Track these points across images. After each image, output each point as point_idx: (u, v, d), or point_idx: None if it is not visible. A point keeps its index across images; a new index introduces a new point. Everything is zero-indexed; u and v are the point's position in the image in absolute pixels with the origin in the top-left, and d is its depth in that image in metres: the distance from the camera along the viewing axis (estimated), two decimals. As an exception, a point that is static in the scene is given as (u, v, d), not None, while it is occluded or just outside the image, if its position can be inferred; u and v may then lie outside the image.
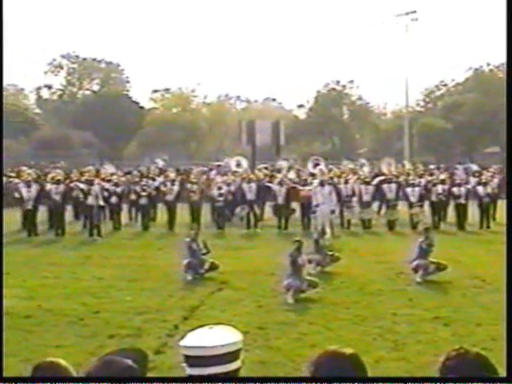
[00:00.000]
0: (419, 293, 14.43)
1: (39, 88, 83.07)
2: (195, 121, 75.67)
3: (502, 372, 3.29)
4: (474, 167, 39.65)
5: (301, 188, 27.93)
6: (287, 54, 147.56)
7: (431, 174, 32.13)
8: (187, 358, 3.19)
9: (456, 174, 33.70)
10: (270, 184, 28.72)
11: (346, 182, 28.19)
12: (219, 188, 28.02)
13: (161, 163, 40.63)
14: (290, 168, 34.41)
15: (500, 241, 23.01)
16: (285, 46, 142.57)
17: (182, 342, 3.23)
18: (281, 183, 28.14)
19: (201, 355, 3.13)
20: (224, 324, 3.54)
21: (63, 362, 3.52)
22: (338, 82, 75.95)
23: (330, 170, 33.94)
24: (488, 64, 72.83)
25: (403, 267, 16.28)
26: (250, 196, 27.65)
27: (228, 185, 28.93)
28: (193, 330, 3.39)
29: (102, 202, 25.65)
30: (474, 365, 3.12)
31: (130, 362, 3.17)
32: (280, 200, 27.51)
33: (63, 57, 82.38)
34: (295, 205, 28.14)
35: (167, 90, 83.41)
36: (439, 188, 27.49)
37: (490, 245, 22.29)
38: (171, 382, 3.26)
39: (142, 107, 75.40)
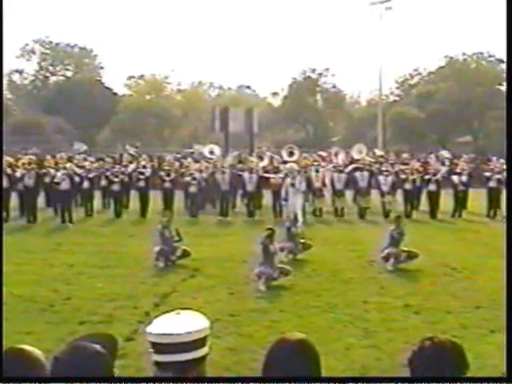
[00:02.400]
0: (390, 281, 14.52)
1: (11, 73, 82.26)
2: (169, 108, 75.36)
3: (472, 361, 3.31)
4: (446, 154, 39.84)
5: (272, 176, 27.99)
6: (261, 42, 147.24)
7: (403, 163, 32.27)
8: (154, 344, 3.18)
9: (429, 163, 33.87)
10: (241, 172, 28.70)
11: (317, 171, 28.23)
12: (192, 175, 27.95)
13: (132, 150, 40.43)
14: (260, 156, 34.32)
15: (471, 229, 23.31)
16: (259, 34, 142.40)
17: (149, 329, 3.22)
18: (251, 171, 28.14)
19: (167, 342, 3.12)
20: (192, 309, 3.52)
21: (28, 348, 3.50)
22: (313, 71, 75.94)
23: (304, 158, 34.01)
24: (463, 53, 73.17)
25: (375, 255, 16.36)
26: (224, 186, 27.61)
27: (201, 172, 28.86)
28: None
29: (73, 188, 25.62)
30: (449, 354, 3.16)
31: (98, 347, 3.16)
32: (250, 187, 27.53)
33: (36, 42, 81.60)
34: (266, 192, 28.28)
35: (142, 76, 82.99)
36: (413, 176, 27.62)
37: (462, 233, 22.48)
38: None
39: (115, 93, 74.96)
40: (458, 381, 3.09)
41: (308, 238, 18.10)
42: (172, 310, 3.40)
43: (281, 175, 27.19)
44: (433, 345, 3.20)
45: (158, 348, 3.15)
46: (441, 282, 14.37)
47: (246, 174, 27.89)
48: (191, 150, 43.64)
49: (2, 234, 19.69)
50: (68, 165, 27.30)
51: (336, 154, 34.11)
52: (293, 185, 23.21)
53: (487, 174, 28.41)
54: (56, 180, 25.48)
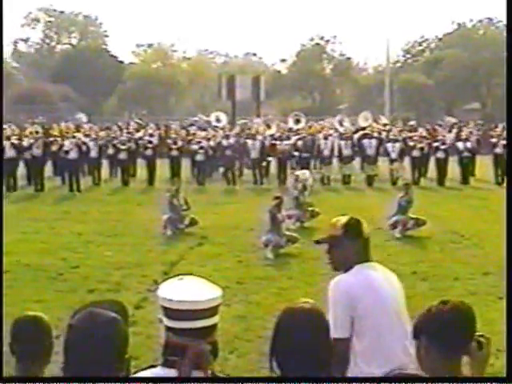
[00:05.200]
0: (398, 248, 14.54)
1: (16, 41, 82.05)
2: (175, 76, 75.08)
3: (481, 328, 3.31)
4: (452, 120, 39.69)
5: (277, 142, 27.99)
6: (267, 9, 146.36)
7: (411, 130, 32.20)
8: (167, 309, 3.14)
9: (437, 130, 33.75)
10: (246, 140, 28.72)
11: (326, 138, 28.25)
12: (199, 143, 27.96)
13: (137, 119, 40.59)
14: (268, 124, 34.23)
15: (479, 196, 23.26)
16: (265, 0, 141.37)
17: (165, 294, 3.17)
18: (255, 138, 28.22)
19: (186, 309, 3.09)
20: (201, 276, 3.50)
21: (40, 315, 3.52)
22: (321, 38, 75.55)
23: (310, 127, 33.93)
24: (471, 19, 72.65)
25: (382, 223, 16.33)
26: (229, 152, 27.66)
27: (208, 140, 28.87)
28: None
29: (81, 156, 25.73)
30: (462, 316, 3.16)
31: (113, 314, 3.15)
32: (253, 154, 27.58)
33: (40, 10, 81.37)
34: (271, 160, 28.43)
35: (150, 45, 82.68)
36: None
37: (469, 200, 22.44)
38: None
39: (121, 62, 74.73)
40: (459, 381, 3.10)
41: (315, 205, 18.08)
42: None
43: (286, 142, 27.46)
44: (442, 308, 3.20)
45: (172, 314, 3.11)
46: (449, 249, 14.38)
47: (249, 142, 27.95)
48: (196, 118, 43.73)
49: (2, 202, 19.72)
50: (77, 134, 27.44)
51: (340, 122, 33.91)
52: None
53: (493, 140, 28.37)
54: (65, 149, 25.56)
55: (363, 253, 4.53)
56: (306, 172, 22.27)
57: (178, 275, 3.36)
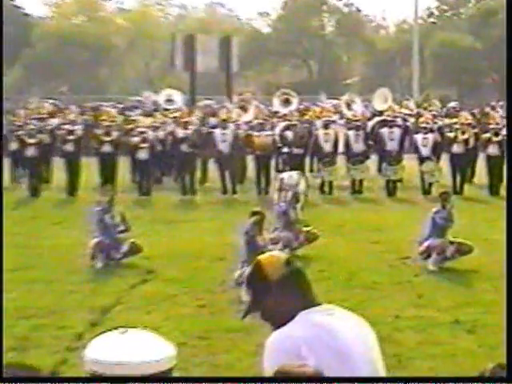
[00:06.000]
0: (432, 286, 14.59)
1: None
2: (106, 36, 75.03)
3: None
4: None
5: (256, 134, 27.82)
6: None
7: (450, 115, 32.31)
8: (95, 376, 3.15)
9: (488, 115, 33.92)
10: (212, 129, 28.66)
11: (327, 127, 28.14)
12: (142, 134, 27.87)
13: (49, 103, 40.36)
14: (243, 107, 34.26)
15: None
16: None
17: (91, 354, 3.19)
18: (224, 126, 28.07)
19: (121, 375, 3.10)
20: (146, 329, 3.52)
21: None
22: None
23: (305, 110, 34.00)
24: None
25: (410, 250, 16.42)
26: (186, 147, 27.58)
27: (155, 130, 28.81)
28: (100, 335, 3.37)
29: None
30: None
31: None
32: (222, 148, 27.59)
33: None
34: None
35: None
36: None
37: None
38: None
39: (27, 14, 74.48)
40: (459, 381, 3.17)
41: (313, 224, 18.13)
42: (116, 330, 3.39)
43: (269, 132, 27.44)
44: (499, 373, 3.23)
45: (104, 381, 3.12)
46: (505, 288, 14.42)
47: (216, 132, 27.83)
48: (138, 98, 43.72)
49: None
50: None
51: (348, 104, 33.86)
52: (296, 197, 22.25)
53: None
54: None
55: (294, 298, 4.48)
56: (294, 174, 22.12)
57: (117, 328, 3.38)
